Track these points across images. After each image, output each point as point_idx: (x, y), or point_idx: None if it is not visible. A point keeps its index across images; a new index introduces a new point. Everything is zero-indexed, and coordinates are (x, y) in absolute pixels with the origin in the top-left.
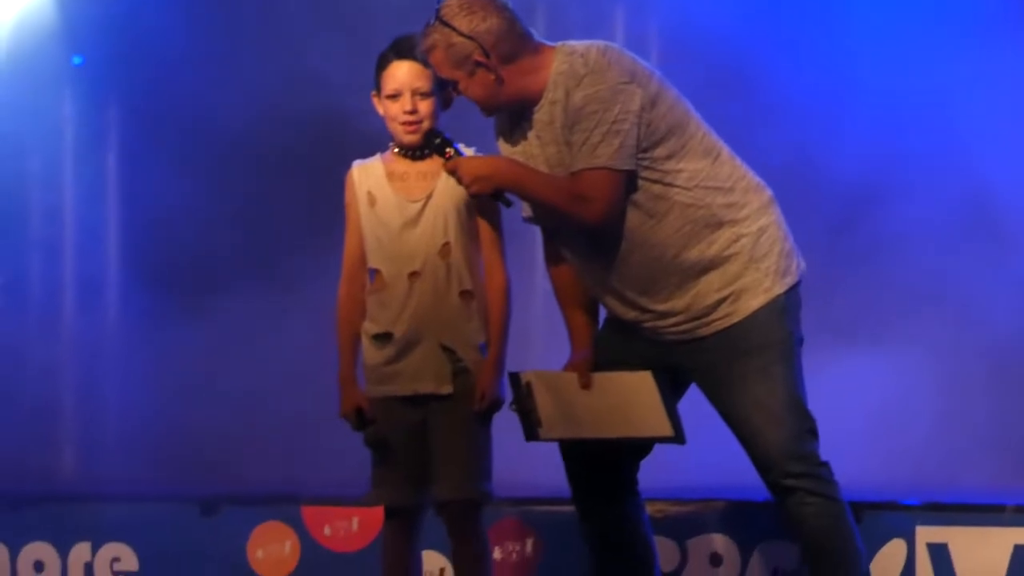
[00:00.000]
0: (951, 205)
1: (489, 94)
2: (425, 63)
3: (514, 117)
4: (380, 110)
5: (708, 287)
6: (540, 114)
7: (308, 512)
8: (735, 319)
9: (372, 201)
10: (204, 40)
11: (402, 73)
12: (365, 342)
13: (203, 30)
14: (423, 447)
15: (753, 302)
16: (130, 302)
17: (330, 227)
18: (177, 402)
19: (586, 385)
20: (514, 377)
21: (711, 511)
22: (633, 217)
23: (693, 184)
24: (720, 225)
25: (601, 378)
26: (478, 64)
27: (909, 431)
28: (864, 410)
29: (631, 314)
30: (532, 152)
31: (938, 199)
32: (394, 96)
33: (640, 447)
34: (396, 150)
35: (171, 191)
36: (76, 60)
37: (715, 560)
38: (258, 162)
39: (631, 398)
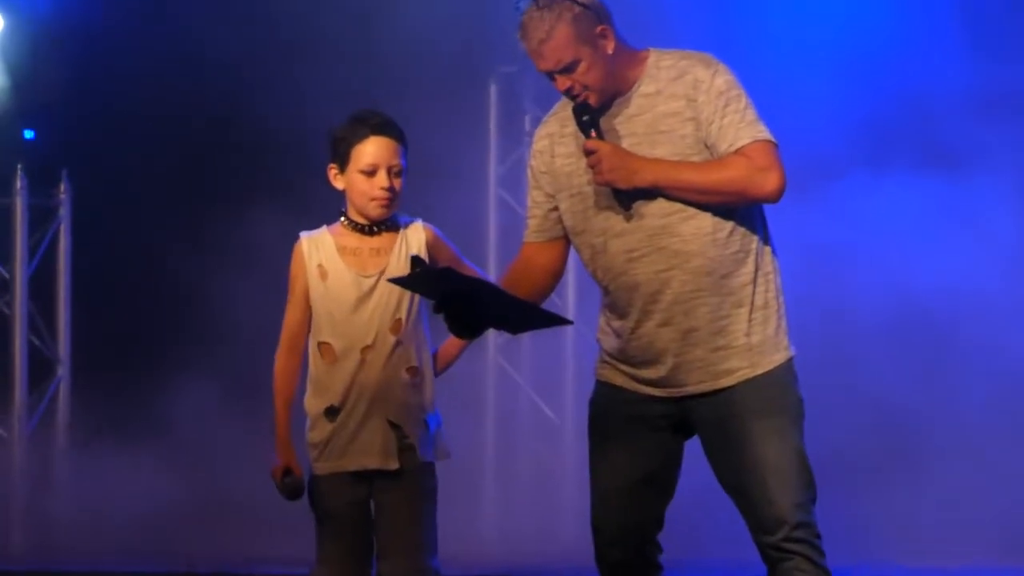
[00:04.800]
0: None
1: (606, 72)
2: (399, 139)
3: (567, 125)
4: (339, 184)
5: (738, 325)
6: (622, 107)
7: None
8: (758, 371)
9: (323, 275)
10: (156, 106)
11: (381, 149)
12: (313, 417)
13: (154, 94)
14: (369, 523)
15: (776, 357)
16: (81, 381)
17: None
18: (131, 481)
19: None
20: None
21: None
22: (705, 223)
23: (759, 216)
24: (757, 270)
25: None
26: (601, 34)
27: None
28: None
29: (655, 346)
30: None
31: None
32: (370, 172)
33: (654, 518)
34: (346, 223)
35: (122, 262)
36: (28, 134)
37: None
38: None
39: None
